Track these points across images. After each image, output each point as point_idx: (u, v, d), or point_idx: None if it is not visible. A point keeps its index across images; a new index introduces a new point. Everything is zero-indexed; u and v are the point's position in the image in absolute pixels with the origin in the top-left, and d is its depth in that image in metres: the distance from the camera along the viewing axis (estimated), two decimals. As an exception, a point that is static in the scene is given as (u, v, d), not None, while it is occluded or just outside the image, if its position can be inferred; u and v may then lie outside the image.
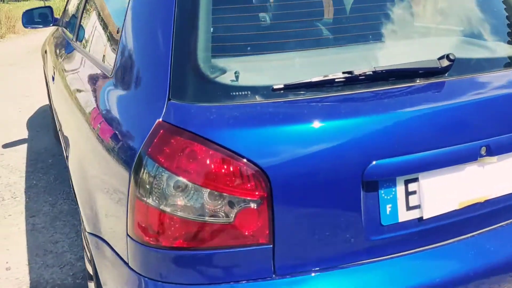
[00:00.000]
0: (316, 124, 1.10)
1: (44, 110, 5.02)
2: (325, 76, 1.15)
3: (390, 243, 1.20)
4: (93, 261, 1.46)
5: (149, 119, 1.13)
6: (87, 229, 1.44)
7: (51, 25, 3.18)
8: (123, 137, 1.23)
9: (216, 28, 1.27)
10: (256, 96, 1.14)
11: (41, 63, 3.96)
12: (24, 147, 4.04)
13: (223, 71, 1.20)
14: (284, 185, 1.07)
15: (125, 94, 1.32)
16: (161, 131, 1.09)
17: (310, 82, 1.15)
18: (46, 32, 4.28)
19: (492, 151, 1.23)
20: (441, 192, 1.21)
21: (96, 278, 1.46)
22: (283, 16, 1.43)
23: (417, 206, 1.20)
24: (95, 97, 1.52)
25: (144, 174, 1.08)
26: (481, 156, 1.22)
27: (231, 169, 1.06)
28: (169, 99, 1.14)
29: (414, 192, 1.20)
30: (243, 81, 1.19)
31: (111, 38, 1.64)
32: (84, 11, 2.22)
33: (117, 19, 1.66)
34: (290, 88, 1.15)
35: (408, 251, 1.21)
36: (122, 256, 1.20)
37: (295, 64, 1.31)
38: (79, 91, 1.73)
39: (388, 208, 1.18)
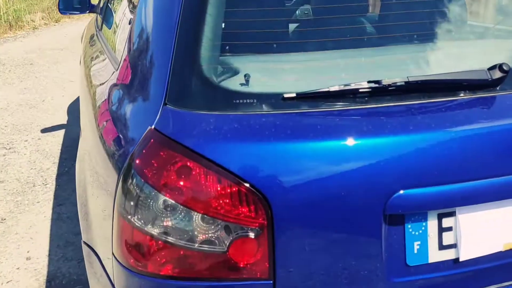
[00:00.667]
0: (332, 143, 0.93)
1: (85, 95, 5.06)
2: (346, 86, 0.97)
3: (419, 285, 1.01)
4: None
5: (142, 125, 1.00)
6: (83, 238, 1.34)
7: (88, 12, 3.13)
8: (117, 141, 1.10)
9: (228, 23, 1.11)
10: (264, 106, 0.97)
11: None
12: (61, 132, 4.07)
13: (230, 75, 1.05)
14: (288, 214, 0.91)
15: (127, 92, 1.19)
16: (151, 141, 0.95)
17: (328, 91, 0.97)
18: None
19: (550, 185, 1.01)
20: (483, 231, 1.00)
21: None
22: (308, 11, 1.25)
23: (453, 246, 1.00)
24: (102, 91, 1.40)
25: (130, 188, 0.95)
26: (536, 190, 1.00)
27: (227, 191, 0.90)
28: (165, 104, 1.00)
29: (449, 229, 1.00)
30: (252, 87, 1.02)
31: (124, 30, 1.52)
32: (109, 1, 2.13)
33: (132, 10, 1.54)
34: (304, 97, 0.98)
35: (441, 297, 1.02)
36: (110, 275, 1.08)
37: (317, 69, 1.13)
38: (91, 82, 1.63)
39: (416, 246, 0.99)
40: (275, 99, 0.98)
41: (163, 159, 0.93)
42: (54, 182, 3.21)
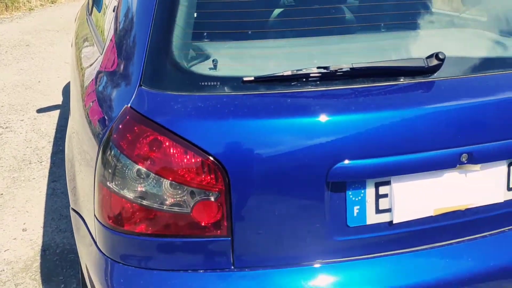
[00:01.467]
0: (282, 120, 1.08)
1: (80, 77, 5.18)
2: (298, 71, 1.12)
3: (357, 245, 1.17)
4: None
5: (119, 104, 1.14)
6: (71, 205, 1.49)
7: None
8: (97, 118, 1.25)
9: (200, 13, 1.25)
10: (225, 88, 1.12)
11: None
12: (56, 113, 4.20)
13: (200, 60, 1.19)
14: (243, 181, 1.06)
15: (109, 74, 1.33)
16: (127, 117, 1.10)
17: (283, 75, 1.12)
18: None
19: (475, 159, 1.16)
20: (414, 197, 1.16)
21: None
22: (271, 3, 1.39)
23: (388, 210, 1.16)
24: (89, 73, 1.54)
25: (108, 158, 1.10)
26: (462, 163, 1.15)
27: (192, 161, 1.06)
28: (140, 85, 1.14)
29: (385, 195, 1.16)
30: (217, 71, 1.17)
31: (109, 17, 1.65)
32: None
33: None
34: (261, 81, 1.12)
35: (375, 255, 1.18)
36: (93, 235, 1.24)
37: (277, 55, 1.27)
38: (80, 64, 1.77)
39: (356, 209, 1.14)
40: (237, 82, 1.12)
41: (136, 134, 1.08)
42: (49, 160, 3.36)
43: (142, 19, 1.25)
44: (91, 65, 1.57)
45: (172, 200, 1.08)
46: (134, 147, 1.07)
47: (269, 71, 1.13)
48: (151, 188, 1.08)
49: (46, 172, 3.20)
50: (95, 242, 1.21)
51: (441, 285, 1.18)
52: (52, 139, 3.68)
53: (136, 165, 1.07)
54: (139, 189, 1.08)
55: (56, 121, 4.02)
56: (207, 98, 1.11)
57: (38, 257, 2.36)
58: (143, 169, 1.07)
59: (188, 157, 1.05)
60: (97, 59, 1.50)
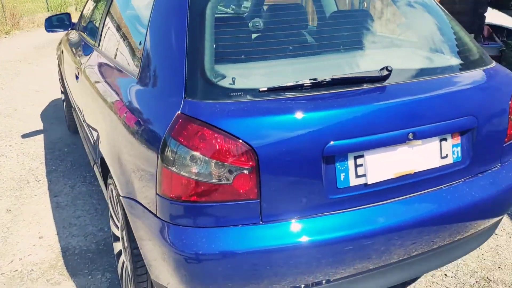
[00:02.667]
0: (290, 116, 1.57)
1: (55, 104, 5.46)
2: (296, 82, 1.63)
3: (344, 201, 1.67)
4: (125, 220, 1.92)
5: (171, 112, 1.60)
6: (122, 194, 1.90)
7: (70, 29, 3.64)
8: (150, 125, 1.70)
9: (217, 45, 1.74)
10: (248, 96, 1.61)
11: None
12: (41, 137, 4.49)
13: (223, 77, 1.67)
14: (267, 158, 1.54)
15: (151, 93, 1.79)
16: (180, 120, 1.56)
17: (286, 86, 1.62)
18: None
19: (418, 136, 1.71)
20: (380, 165, 1.69)
21: (127, 231, 1.92)
22: (269, 33, 1.90)
23: (363, 175, 1.68)
24: (124, 94, 1.98)
25: (169, 150, 1.55)
26: (409, 139, 1.70)
27: (230, 146, 1.53)
28: (185, 98, 1.61)
29: (361, 165, 1.67)
30: (238, 85, 1.65)
31: (134, 48, 2.10)
32: (106, 21, 2.67)
33: (138, 33, 2.13)
34: (272, 90, 1.62)
35: (358, 207, 1.69)
36: (151, 210, 1.66)
37: (278, 72, 1.78)
38: (110, 89, 2.19)
39: (342, 176, 1.65)
40: (255, 92, 1.62)
41: (190, 130, 1.54)
42: (45, 179, 3.67)
43: (177, 53, 1.71)
44: (126, 89, 2.00)
45: (217, 175, 1.54)
46: (189, 139, 1.53)
47: (272, 84, 1.64)
48: (201, 168, 1.54)
49: (45, 189, 3.51)
50: (154, 214, 1.65)
51: (402, 226, 1.70)
52: (43, 160, 3.99)
53: (191, 152, 1.53)
54: (193, 169, 1.54)
55: (43, 144, 4.31)
56: (236, 103, 1.59)
57: (60, 258, 2.70)
58: (196, 154, 1.53)
59: (227, 143, 1.52)
60: (134, 84, 1.93)
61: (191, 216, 1.58)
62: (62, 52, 3.97)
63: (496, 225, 2.20)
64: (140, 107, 1.83)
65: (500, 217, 2.14)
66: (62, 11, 12.93)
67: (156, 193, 1.62)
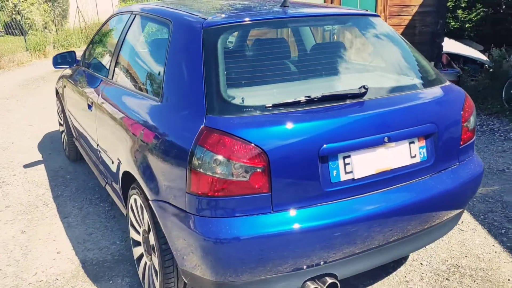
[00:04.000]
0: (292, 125, 1.99)
1: (50, 136, 5.74)
2: (294, 99, 2.06)
3: (337, 192, 2.08)
4: (153, 221, 2.27)
5: (196, 126, 2.00)
6: (152, 198, 2.24)
7: (75, 65, 4.02)
8: (178, 137, 2.08)
9: (228, 73, 2.16)
10: (257, 111, 2.02)
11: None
12: (42, 166, 4.77)
13: (234, 97, 2.09)
14: (276, 159, 1.94)
15: (175, 113, 2.18)
16: (205, 132, 1.96)
17: (287, 102, 2.05)
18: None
19: (392, 139, 2.15)
20: (364, 163, 2.11)
21: (156, 231, 2.27)
22: (268, 63, 2.35)
23: (351, 172, 2.10)
24: (149, 116, 2.37)
25: (197, 155, 1.94)
26: (385, 142, 2.14)
27: (245, 149, 1.93)
28: (206, 114, 2.01)
29: (348, 163, 2.09)
30: (247, 103, 2.07)
31: (154, 77, 2.50)
32: (119, 57, 3.07)
33: (156, 65, 2.54)
34: (275, 106, 2.04)
35: (348, 198, 2.09)
36: (181, 207, 2.03)
37: (278, 92, 2.21)
38: (134, 113, 2.56)
39: (334, 172, 2.07)
40: (262, 107, 2.03)
41: (213, 138, 1.93)
42: (53, 203, 3.95)
43: (196, 80, 2.12)
44: (148, 112, 2.39)
45: (237, 173, 1.93)
46: (213, 146, 1.92)
47: (275, 101, 2.06)
48: (224, 168, 1.92)
49: (55, 212, 3.79)
50: (184, 210, 2.01)
51: (383, 213, 2.12)
52: (48, 187, 4.26)
53: (215, 156, 1.92)
54: (217, 170, 1.93)
55: (45, 173, 4.59)
56: (248, 117, 2.00)
57: (81, 268, 2.99)
58: (219, 157, 1.92)
59: (243, 147, 1.92)
60: (156, 108, 2.32)
61: (216, 209, 1.96)
62: (65, 86, 4.32)
63: (457, 218, 2.63)
64: (166, 124, 2.22)
65: (460, 210, 2.57)
66: (41, 51, 13.23)
67: (186, 192, 1.99)
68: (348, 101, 2.16)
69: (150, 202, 2.26)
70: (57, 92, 4.83)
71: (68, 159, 4.88)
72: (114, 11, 3.33)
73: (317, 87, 2.30)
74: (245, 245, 1.95)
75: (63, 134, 4.87)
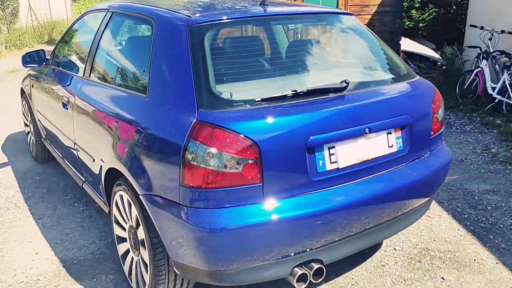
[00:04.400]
0: (281, 118, 2.08)
1: (13, 138, 5.57)
2: (280, 93, 2.15)
3: (323, 181, 2.18)
4: (142, 215, 2.30)
5: (188, 120, 2.05)
6: (142, 193, 2.27)
7: (44, 64, 3.95)
8: (170, 132, 2.13)
9: (215, 69, 2.22)
10: (247, 105, 2.10)
11: None
12: (9, 168, 4.63)
13: (223, 92, 2.16)
14: (267, 151, 2.03)
15: (165, 108, 2.22)
16: (198, 125, 2.02)
17: (275, 96, 2.14)
18: None
19: (372, 130, 2.29)
20: (347, 153, 2.24)
21: (146, 225, 2.29)
22: (252, 59, 2.43)
23: (336, 161, 2.21)
24: (137, 112, 2.39)
25: (190, 148, 1.99)
26: (366, 133, 2.27)
27: (237, 142, 2.00)
28: (198, 109, 2.07)
29: (333, 154, 2.21)
30: (236, 97, 2.14)
31: (138, 74, 2.53)
32: (96, 55, 3.06)
33: (140, 62, 2.57)
34: (264, 100, 2.13)
35: (333, 186, 2.21)
36: (175, 200, 2.08)
37: (264, 87, 2.30)
38: (119, 109, 2.57)
39: (320, 162, 2.17)
40: (251, 101, 2.11)
41: (205, 131, 1.99)
42: (25, 205, 3.86)
43: (185, 77, 2.16)
44: (137, 107, 2.42)
45: (229, 165, 2.00)
46: (205, 139, 1.98)
47: (262, 96, 2.14)
48: (217, 159, 1.99)
49: (28, 213, 3.71)
50: (177, 203, 2.06)
51: (366, 199, 2.25)
52: (18, 189, 4.16)
53: (208, 148, 1.98)
54: (210, 162, 1.99)
55: (13, 175, 4.47)
56: (238, 111, 2.08)
57: (62, 268, 2.97)
58: (213, 149, 1.98)
59: (235, 139, 1.99)
60: (144, 104, 2.35)
61: (210, 200, 2.02)
62: (32, 86, 4.22)
63: (427, 204, 2.80)
64: (155, 120, 2.26)
65: (430, 197, 2.75)
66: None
67: (180, 185, 2.04)
68: (331, 95, 2.28)
69: (141, 196, 2.29)
70: (22, 92, 4.71)
71: (35, 160, 4.77)
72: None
73: (300, 83, 2.40)
74: (239, 234, 2.02)
75: (30, 135, 4.75)
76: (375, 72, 2.71)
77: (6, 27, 15.51)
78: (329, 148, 2.20)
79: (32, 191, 4.12)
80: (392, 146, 2.41)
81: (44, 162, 4.69)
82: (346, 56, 2.94)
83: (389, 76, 2.67)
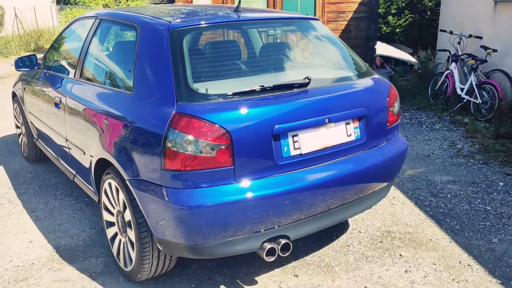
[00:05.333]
0: (249, 109, 2.39)
1: (4, 141, 5.79)
2: (251, 88, 2.46)
3: (288, 165, 2.49)
4: (129, 199, 2.58)
5: (168, 112, 2.35)
6: (128, 178, 2.55)
7: (36, 68, 4.21)
8: (152, 123, 2.42)
9: (192, 67, 2.53)
10: (220, 98, 2.41)
11: None
12: (1, 168, 4.86)
13: (200, 88, 2.46)
14: (238, 138, 2.32)
15: (148, 102, 2.51)
16: (176, 116, 2.31)
17: (244, 91, 2.45)
18: None
19: (331, 120, 2.60)
20: (309, 141, 2.54)
21: (132, 206, 2.57)
22: (226, 59, 2.74)
23: (299, 148, 2.52)
24: (123, 106, 2.68)
25: (170, 136, 2.29)
26: (326, 123, 2.58)
27: (212, 130, 2.30)
28: (177, 102, 2.37)
29: (297, 141, 2.52)
30: (211, 92, 2.45)
31: (124, 74, 2.82)
32: (86, 58, 3.34)
33: (126, 63, 2.86)
34: (235, 94, 2.43)
35: (297, 170, 2.51)
36: (157, 183, 2.36)
37: (236, 84, 2.60)
38: (108, 106, 2.86)
39: (285, 148, 2.48)
40: (223, 96, 2.42)
41: (183, 122, 2.29)
42: (18, 200, 4.11)
43: (166, 75, 2.46)
44: (123, 103, 2.70)
45: (205, 150, 2.30)
46: (183, 128, 2.27)
47: (234, 91, 2.45)
48: (194, 146, 2.28)
49: (21, 207, 3.96)
50: (159, 185, 2.35)
51: (326, 182, 2.56)
52: (11, 186, 4.40)
53: (186, 136, 2.27)
54: (188, 148, 2.28)
55: (5, 174, 4.70)
56: (212, 103, 2.38)
57: (55, 253, 3.22)
58: (190, 137, 2.27)
59: (210, 128, 2.29)
60: (130, 99, 2.64)
61: (187, 181, 2.31)
62: (24, 89, 4.48)
63: (386, 189, 3.11)
64: (139, 113, 2.55)
65: (388, 183, 3.06)
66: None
67: (161, 169, 2.33)
68: (295, 90, 2.59)
69: (127, 181, 2.57)
70: (14, 95, 4.96)
71: (26, 160, 5.01)
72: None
73: (269, 80, 2.72)
74: (213, 211, 2.31)
75: (21, 136, 4.99)
76: (337, 70, 3.04)
77: (-7, 35, 15.66)
78: (293, 136, 2.51)
79: (25, 187, 4.36)
80: (350, 135, 2.73)
81: (35, 161, 4.93)
82: (313, 56, 3.26)
83: (349, 73, 3.00)
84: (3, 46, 14.88)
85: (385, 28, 10.14)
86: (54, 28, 19.48)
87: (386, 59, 9.14)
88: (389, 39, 10.17)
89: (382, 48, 9.08)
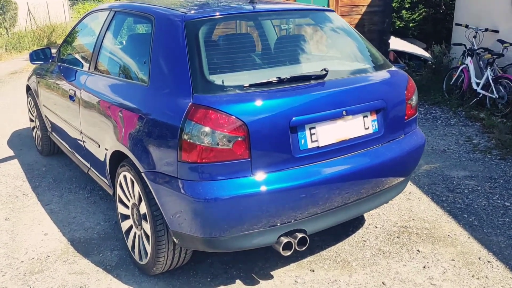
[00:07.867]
0: (266, 101, 2.35)
1: (18, 134, 5.83)
2: (268, 79, 2.42)
3: (305, 158, 2.45)
4: (144, 191, 2.56)
5: (185, 103, 2.32)
6: (143, 170, 2.53)
7: (50, 61, 4.22)
8: (169, 114, 2.40)
9: (208, 58, 2.50)
10: (236, 90, 2.37)
11: None
12: (15, 161, 4.89)
13: (216, 79, 2.43)
14: (255, 130, 2.29)
15: (164, 94, 2.49)
16: (193, 108, 2.28)
17: (261, 82, 2.41)
18: None
19: (349, 113, 2.56)
20: (326, 133, 2.50)
21: (148, 199, 2.56)
22: (241, 51, 2.70)
23: (316, 140, 2.48)
24: (140, 98, 2.66)
25: (187, 128, 2.26)
26: (343, 115, 2.54)
27: (228, 122, 2.27)
28: (193, 94, 2.34)
29: (314, 134, 2.48)
30: (227, 83, 2.42)
31: (139, 66, 2.80)
32: (101, 51, 3.33)
33: (141, 55, 2.84)
34: (252, 85, 2.40)
35: (314, 163, 2.48)
36: (173, 175, 2.34)
37: (253, 75, 2.57)
38: (123, 97, 2.84)
39: (302, 141, 2.44)
40: (241, 87, 2.38)
41: (200, 113, 2.26)
42: (32, 193, 4.12)
43: (182, 66, 2.43)
44: (139, 94, 2.69)
45: (221, 142, 2.27)
46: (200, 119, 2.25)
47: (250, 82, 2.42)
48: (210, 138, 2.26)
49: (35, 200, 3.97)
50: (175, 177, 2.33)
51: (344, 175, 2.52)
52: (25, 179, 4.42)
53: (203, 127, 2.25)
54: (204, 140, 2.26)
55: (20, 167, 4.73)
56: (229, 95, 2.35)
57: (70, 246, 3.22)
58: (206, 128, 2.25)
59: (226, 120, 2.26)
60: (145, 90, 2.62)
61: (204, 173, 2.29)
62: (39, 82, 4.49)
63: (403, 184, 3.06)
64: (155, 104, 2.53)
65: (405, 177, 3.01)
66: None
67: (177, 161, 2.31)
68: (312, 82, 2.55)
69: (143, 174, 2.55)
70: (28, 89, 4.97)
71: (40, 153, 5.02)
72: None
73: (285, 72, 2.68)
74: (229, 204, 2.29)
75: (35, 129, 5.01)
76: (354, 62, 2.99)
77: (6, 31, 15.78)
78: (310, 128, 2.47)
79: (39, 180, 4.38)
80: (368, 128, 2.68)
81: (49, 155, 4.95)
82: (328, 48, 3.21)
83: (366, 65, 2.95)
84: (17, 41, 14.98)
85: (398, 23, 10.01)
86: (66, 23, 19.60)
87: (400, 54, 9.03)
88: (402, 34, 10.05)
89: (396, 43, 8.98)
